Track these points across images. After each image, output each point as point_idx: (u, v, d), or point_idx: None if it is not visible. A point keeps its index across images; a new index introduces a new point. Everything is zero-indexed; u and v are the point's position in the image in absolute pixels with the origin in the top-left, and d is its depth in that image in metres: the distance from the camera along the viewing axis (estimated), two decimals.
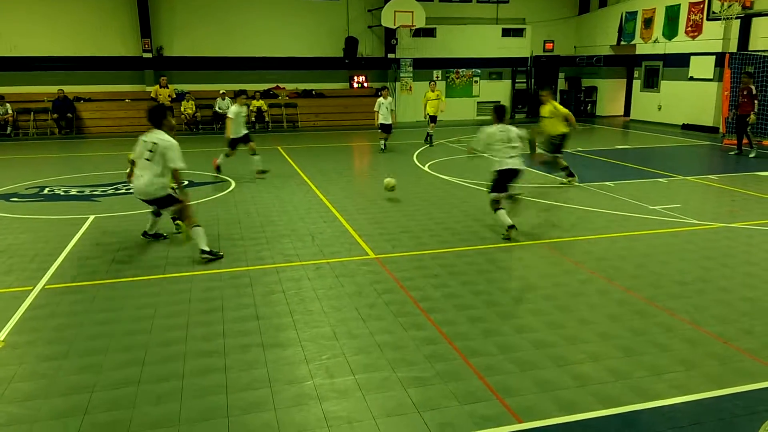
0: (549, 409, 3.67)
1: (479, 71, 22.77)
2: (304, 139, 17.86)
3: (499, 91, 22.84)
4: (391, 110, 14.77)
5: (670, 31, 19.29)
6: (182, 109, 18.91)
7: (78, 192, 10.08)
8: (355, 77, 21.74)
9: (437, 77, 22.29)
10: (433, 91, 15.89)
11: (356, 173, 12.90)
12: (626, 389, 3.89)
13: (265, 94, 20.39)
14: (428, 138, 15.83)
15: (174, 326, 4.90)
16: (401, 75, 21.86)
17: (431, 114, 15.70)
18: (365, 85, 21.92)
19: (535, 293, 5.60)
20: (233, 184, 10.71)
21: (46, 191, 10.17)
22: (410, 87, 21.96)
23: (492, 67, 22.85)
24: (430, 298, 5.45)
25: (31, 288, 5.72)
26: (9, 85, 18.39)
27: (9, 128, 17.81)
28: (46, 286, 5.78)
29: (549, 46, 23.48)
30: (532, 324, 4.90)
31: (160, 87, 17.41)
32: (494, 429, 3.48)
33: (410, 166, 12.72)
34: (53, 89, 18.21)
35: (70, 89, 18.59)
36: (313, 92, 21.11)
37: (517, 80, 23.27)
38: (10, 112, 17.83)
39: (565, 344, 4.54)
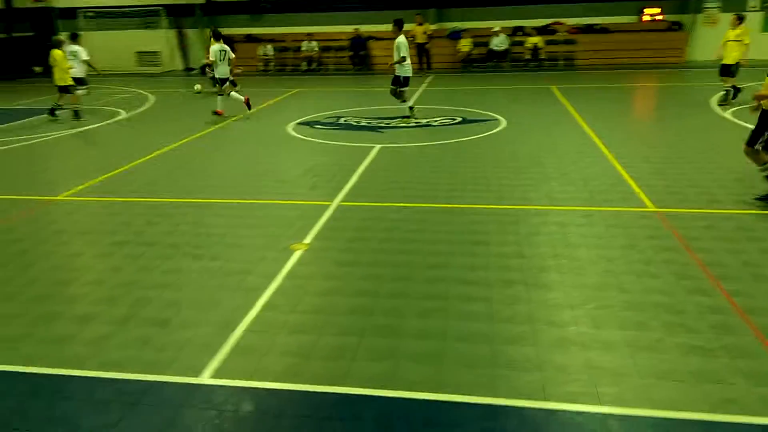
0: None
1: None
2: (581, 78, 16.82)
3: None
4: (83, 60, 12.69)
5: None
6: (458, 47, 19.36)
7: (367, 123, 11.21)
8: (646, 9, 19.39)
9: (754, 6, 18.60)
10: (733, 28, 11.31)
11: (637, 117, 11.76)
12: None
13: (541, 31, 19.59)
14: (731, 93, 11.51)
15: (440, 252, 5.23)
16: (705, 5, 18.79)
17: (725, 63, 11.37)
18: (659, 18, 19.44)
19: None
20: (504, 123, 10.72)
21: (341, 121, 11.54)
22: (715, 20, 18.79)
23: None
24: (721, 263, 4.80)
25: (329, 203, 6.65)
26: (316, 25, 21.02)
27: (314, 64, 20.52)
28: (341, 203, 6.66)
29: None
30: None
31: (418, 25, 18.12)
32: None
33: (705, 110, 11.08)
34: (350, 29, 20.24)
35: (366, 28, 20.43)
36: (596, 27, 19.54)
37: None
38: (316, 49, 20.47)
39: None
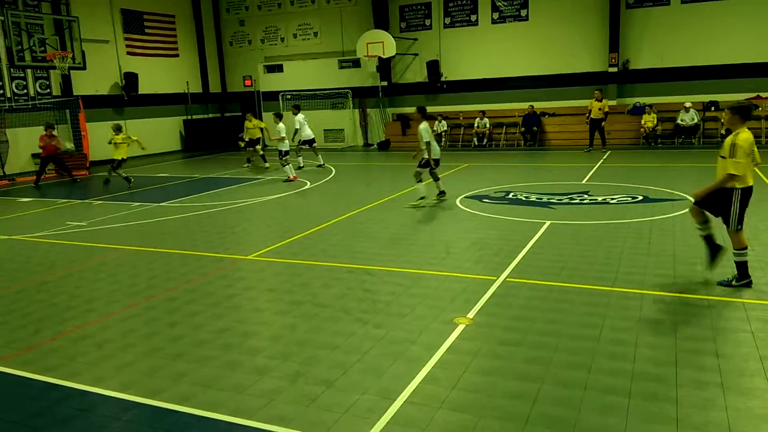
0: None
1: None
2: None
3: None
4: None
5: None
6: (642, 122, 18.41)
7: (537, 198, 10.97)
8: None
9: None
10: None
11: None
12: None
13: None
14: None
15: (621, 341, 4.78)
16: None
17: None
18: None
19: None
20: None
21: (510, 196, 11.43)
22: None
23: None
24: None
25: (495, 278, 6.52)
26: (489, 102, 21.52)
27: (485, 140, 20.84)
28: (507, 279, 6.48)
29: None
30: None
31: (596, 101, 17.62)
32: None
33: None
34: (524, 105, 20.37)
35: (539, 105, 20.42)
36: None
37: None
38: (488, 126, 20.84)
39: None
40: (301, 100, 23.94)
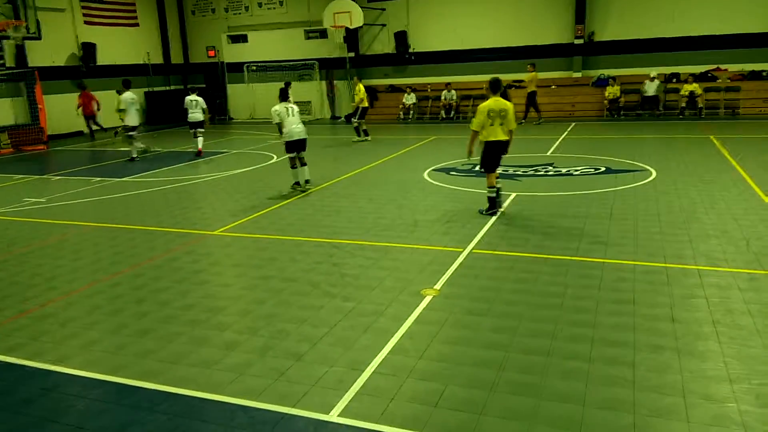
0: None
1: None
2: (745, 128, 15.34)
3: None
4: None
5: None
6: (606, 94, 18.66)
7: (503, 171, 11.03)
8: None
9: None
10: None
11: None
12: None
13: (700, 77, 18.27)
14: None
15: (583, 309, 4.93)
16: None
17: None
18: None
19: None
20: (654, 174, 10.03)
21: (477, 168, 11.47)
22: None
23: None
24: None
25: (461, 250, 6.60)
26: (456, 74, 21.46)
27: (452, 112, 20.85)
28: (473, 250, 6.58)
29: None
30: None
31: (530, 73, 18.00)
32: None
33: None
34: (490, 78, 20.35)
35: (506, 77, 20.42)
36: (764, 74, 17.81)
37: None
38: (455, 98, 20.83)
39: None
40: (266, 72, 23.50)
